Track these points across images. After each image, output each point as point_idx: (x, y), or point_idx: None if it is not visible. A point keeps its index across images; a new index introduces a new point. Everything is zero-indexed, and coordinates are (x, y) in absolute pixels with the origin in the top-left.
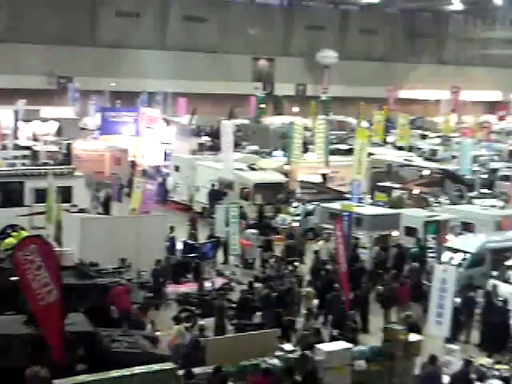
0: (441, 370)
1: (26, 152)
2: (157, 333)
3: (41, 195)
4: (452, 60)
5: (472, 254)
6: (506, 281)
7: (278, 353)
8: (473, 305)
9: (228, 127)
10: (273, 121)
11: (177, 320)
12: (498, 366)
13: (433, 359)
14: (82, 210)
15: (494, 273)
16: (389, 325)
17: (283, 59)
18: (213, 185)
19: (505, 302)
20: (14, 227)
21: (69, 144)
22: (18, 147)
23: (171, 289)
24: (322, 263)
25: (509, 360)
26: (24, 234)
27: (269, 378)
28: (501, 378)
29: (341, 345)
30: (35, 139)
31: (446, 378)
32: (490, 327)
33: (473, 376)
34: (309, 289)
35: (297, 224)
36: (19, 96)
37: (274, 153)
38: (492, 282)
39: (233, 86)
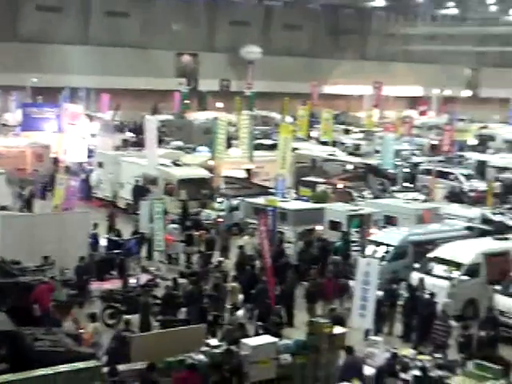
0: (360, 359)
1: None
2: (80, 331)
3: None
4: (374, 56)
5: (395, 247)
6: (427, 273)
7: (203, 348)
8: (395, 297)
9: (152, 123)
10: (197, 116)
11: (92, 318)
12: (420, 357)
13: (349, 350)
14: (3, 208)
15: (416, 265)
16: (313, 318)
17: (207, 55)
18: (137, 181)
19: (431, 294)
20: None
21: None
22: None
23: (95, 286)
24: (247, 258)
25: (431, 351)
26: None
27: (194, 373)
28: (422, 368)
29: (266, 339)
30: None
31: (370, 370)
32: (415, 319)
33: (396, 367)
34: (234, 284)
35: (221, 219)
36: None
37: (199, 148)
38: (418, 275)
39: (156, 81)
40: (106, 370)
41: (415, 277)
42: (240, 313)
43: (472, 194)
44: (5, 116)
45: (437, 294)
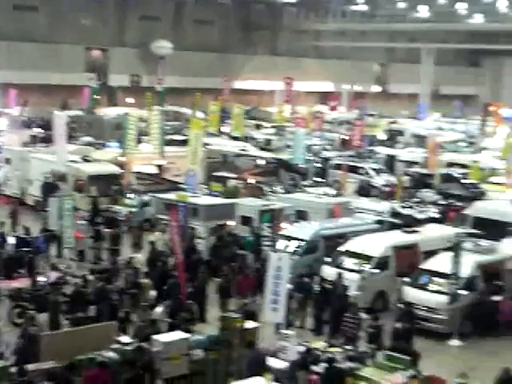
0: (263, 353)
1: None
2: None
3: None
4: (286, 51)
5: (306, 241)
6: (338, 266)
7: (114, 345)
8: (307, 291)
9: (61, 118)
10: (107, 112)
11: None
12: (331, 350)
13: (250, 344)
14: None
15: (328, 259)
16: (226, 314)
17: (117, 50)
18: (46, 177)
19: (344, 287)
20: None
21: None
22: None
23: (3, 284)
24: (159, 254)
25: (342, 343)
26: None
27: (105, 371)
28: (331, 360)
29: (178, 335)
30: None
31: (282, 364)
32: (327, 312)
33: (308, 360)
34: (145, 280)
35: (133, 215)
36: None
37: (109, 144)
38: (333, 269)
39: (66, 76)
40: (14, 369)
41: (327, 270)
42: (158, 309)
43: (387, 189)
44: None
45: (348, 286)
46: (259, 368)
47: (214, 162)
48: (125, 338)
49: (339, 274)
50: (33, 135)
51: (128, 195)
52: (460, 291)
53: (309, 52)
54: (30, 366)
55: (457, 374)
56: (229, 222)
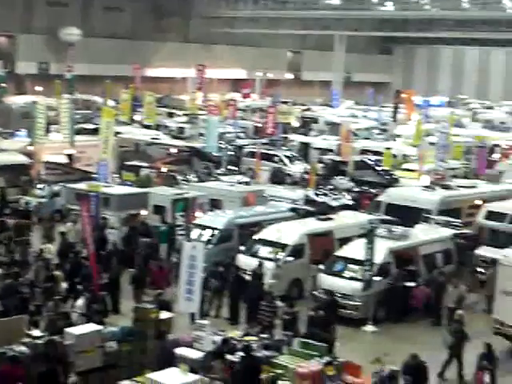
0: (171, 344)
1: None
2: None
3: None
4: (198, 38)
5: (220, 230)
6: (253, 255)
7: (25, 339)
8: (222, 280)
9: None
10: (15, 100)
11: None
12: (247, 338)
13: (160, 335)
14: None
15: (242, 247)
16: (139, 304)
17: (25, 36)
18: None
19: (259, 276)
20: None
21: None
22: None
23: None
24: (70, 245)
25: (258, 332)
26: None
27: (17, 366)
28: (246, 348)
29: (91, 327)
30: None
31: (197, 353)
32: (243, 301)
33: (224, 349)
34: (57, 272)
35: (42, 206)
36: None
37: (17, 133)
38: (248, 258)
39: None
40: None
41: (242, 259)
42: (80, 302)
43: (301, 176)
44: None
45: (264, 275)
46: (170, 359)
47: (126, 151)
48: (36, 332)
49: (259, 263)
50: None
51: (38, 185)
52: (374, 277)
53: (221, 39)
54: None
55: (371, 360)
56: (142, 212)
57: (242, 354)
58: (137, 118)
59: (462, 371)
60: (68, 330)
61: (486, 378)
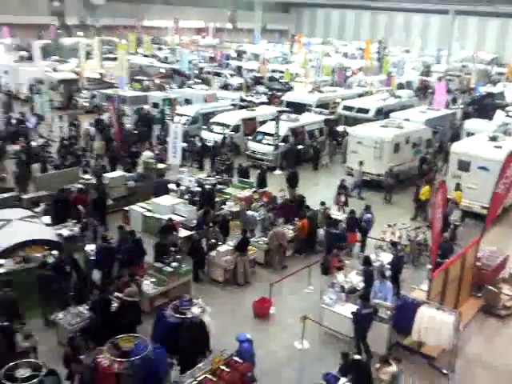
0: (166, 181)
1: None
2: None
3: None
4: (174, 2)
5: (192, 116)
6: (210, 131)
7: (80, 181)
8: (193, 145)
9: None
10: (65, 41)
11: None
12: (209, 178)
13: (159, 176)
14: None
15: (204, 127)
16: (146, 160)
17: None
18: (30, 82)
19: (216, 142)
20: None
21: None
22: None
23: None
24: (107, 125)
25: (214, 174)
26: None
27: (83, 193)
28: (208, 184)
29: (118, 173)
30: None
31: (181, 187)
32: (206, 156)
33: None
34: (97, 143)
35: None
36: None
37: (68, 60)
38: (206, 132)
39: None
40: None
41: (204, 133)
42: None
43: (240, 86)
44: None
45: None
46: (165, 190)
47: (134, 70)
48: (86, 176)
49: (224, 137)
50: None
51: (83, 91)
52: (279, 143)
53: (189, 2)
54: None
55: (279, 189)
56: (145, 106)
57: (208, 186)
58: (139, 50)
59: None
60: (105, 174)
61: (342, 198)
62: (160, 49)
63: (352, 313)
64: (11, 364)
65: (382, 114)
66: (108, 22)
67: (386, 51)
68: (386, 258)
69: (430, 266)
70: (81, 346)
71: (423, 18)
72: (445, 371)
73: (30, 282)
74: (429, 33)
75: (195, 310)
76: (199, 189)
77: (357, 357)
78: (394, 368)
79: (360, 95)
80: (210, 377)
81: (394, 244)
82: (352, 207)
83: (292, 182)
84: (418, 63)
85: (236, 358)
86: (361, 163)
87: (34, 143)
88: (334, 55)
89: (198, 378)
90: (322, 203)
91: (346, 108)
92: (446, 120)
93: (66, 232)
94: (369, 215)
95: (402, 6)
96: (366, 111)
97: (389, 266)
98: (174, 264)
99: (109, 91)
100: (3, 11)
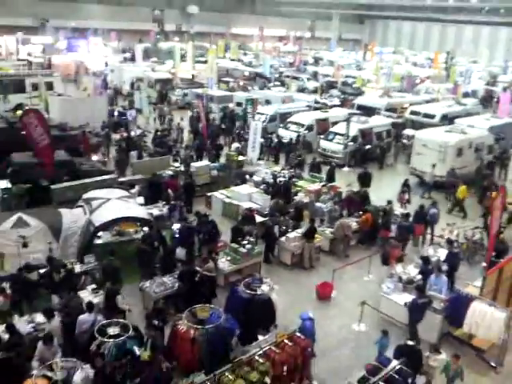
0: (244, 172)
1: (25, 62)
2: None
3: (35, 86)
4: (260, 12)
5: (270, 115)
6: (287, 129)
7: (171, 168)
8: (270, 141)
9: (139, 48)
10: (163, 45)
11: None
12: (284, 171)
13: (238, 167)
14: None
15: (281, 125)
16: (228, 151)
17: (167, 10)
18: (132, 80)
19: (291, 139)
20: (21, 105)
21: (49, 58)
22: (19, 60)
23: None
24: (196, 119)
25: (289, 168)
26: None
27: (174, 179)
28: (285, 176)
29: (203, 162)
30: (29, 55)
31: (259, 178)
32: (283, 153)
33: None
34: (186, 135)
35: (180, 99)
36: (18, 30)
37: (165, 62)
38: (283, 130)
39: None
40: None
41: (281, 131)
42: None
43: (315, 88)
44: (57, 44)
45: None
46: (243, 178)
47: (222, 73)
48: (176, 164)
49: (298, 135)
50: (124, 57)
51: (176, 89)
52: (349, 143)
53: (272, 12)
54: None
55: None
56: (230, 105)
57: (281, 178)
58: (227, 55)
59: None
60: (193, 164)
61: (406, 196)
62: (245, 54)
63: (405, 303)
64: (106, 321)
65: (447, 119)
66: (201, 29)
67: (454, 61)
68: (443, 254)
69: (484, 264)
70: (163, 310)
71: (491, 30)
72: (493, 364)
73: (126, 252)
74: (497, 45)
75: (264, 288)
76: (273, 181)
77: (410, 342)
78: (443, 356)
79: (427, 101)
80: (274, 348)
81: (450, 242)
82: (415, 205)
83: (364, 180)
84: (485, 73)
85: (298, 334)
86: (433, 166)
87: (132, 133)
88: (404, 64)
89: (264, 349)
90: (389, 202)
91: (413, 113)
92: (509, 128)
93: (156, 212)
94: (435, 210)
95: (470, 18)
96: (432, 116)
97: (445, 262)
98: (248, 246)
99: (199, 90)
100: (112, 18)
